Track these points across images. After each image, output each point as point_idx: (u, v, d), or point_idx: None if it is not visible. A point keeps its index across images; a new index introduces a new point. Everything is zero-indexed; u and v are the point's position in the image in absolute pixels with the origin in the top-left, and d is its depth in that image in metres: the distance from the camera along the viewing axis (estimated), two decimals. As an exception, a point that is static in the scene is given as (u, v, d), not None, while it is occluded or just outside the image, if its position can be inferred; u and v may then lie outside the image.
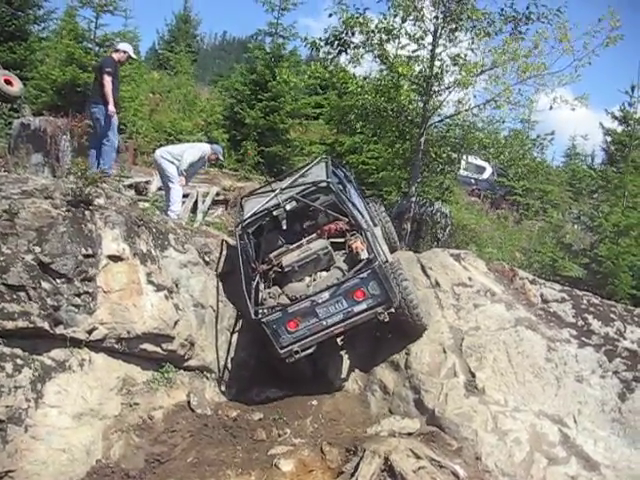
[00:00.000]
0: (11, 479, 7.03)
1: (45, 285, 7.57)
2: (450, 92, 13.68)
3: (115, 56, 12.01)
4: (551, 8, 12.93)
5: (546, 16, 12.95)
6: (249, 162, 18.93)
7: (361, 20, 13.21)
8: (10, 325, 7.20)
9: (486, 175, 26.13)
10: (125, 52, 12.21)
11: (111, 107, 11.65)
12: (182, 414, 8.79)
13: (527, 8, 13.03)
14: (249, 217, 9.65)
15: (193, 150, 11.97)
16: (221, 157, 12.89)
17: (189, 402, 8.97)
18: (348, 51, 13.72)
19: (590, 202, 19.39)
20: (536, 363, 9.15)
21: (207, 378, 9.58)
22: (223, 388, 9.73)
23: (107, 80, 11.51)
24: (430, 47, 13.65)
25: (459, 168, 17.22)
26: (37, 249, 7.60)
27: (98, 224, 8.41)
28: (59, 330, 7.64)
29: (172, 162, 11.70)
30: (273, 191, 9.88)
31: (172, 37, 37.18)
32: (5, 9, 21.83)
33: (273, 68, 20.13)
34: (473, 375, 8.93)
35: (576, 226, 18.04)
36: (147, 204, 10.78)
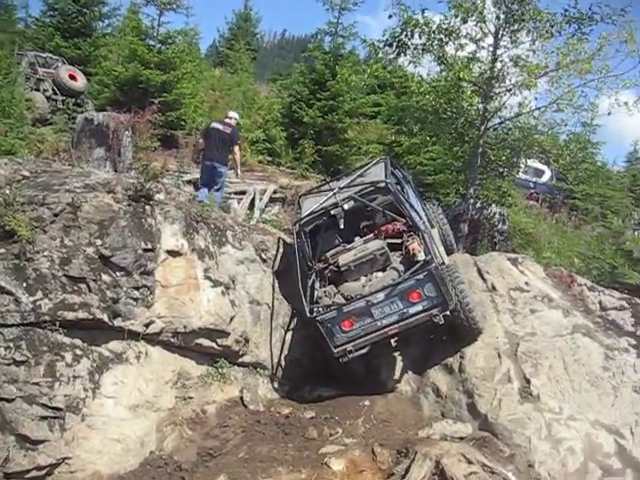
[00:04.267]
0: (68, 466, 7.23)
1: (105, 277, 7.75)
2: (511, 94, 13.44)
3: (230, 123, 12.54)
4: (615, 8, 12.53)
5: (610, 16, 12.57)
6: (306, 161, 18.95)
7: (421, 20, 13.08)
8: (70, 316, 7.39)
9: (545, 179, 25.55)
10: (236, 119, 12.89)
11: (240, 171, 12.87)
12: (235, 409, 8.91)
13: (590, 8, 12.68)
14: (307, 215, 9.69)
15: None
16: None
17: (242, 398, 9.09)
18: (407, 52, 13.60)
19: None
20: (593, 371, 8.95)
21: (260, 375, 9.67)
22: (276, 385, 9.81)
23: (238, 150, 12.46)
24: (491, 48, 13.45)
25: (518, 171, 16.93)
26: (98, 242, 7.78)
27: (158, 219, 8.56)
28: (117, 322, 7.82)
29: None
30: (331, 190, 9.90)
31: (232, 35, 37.45)
32: (71, 6, 22.51)
33: (332, 67, 20.10)
34: (528, 381, 8.77)
35: (637, 232, 17.56)
36: (206, 200, 10.88)
